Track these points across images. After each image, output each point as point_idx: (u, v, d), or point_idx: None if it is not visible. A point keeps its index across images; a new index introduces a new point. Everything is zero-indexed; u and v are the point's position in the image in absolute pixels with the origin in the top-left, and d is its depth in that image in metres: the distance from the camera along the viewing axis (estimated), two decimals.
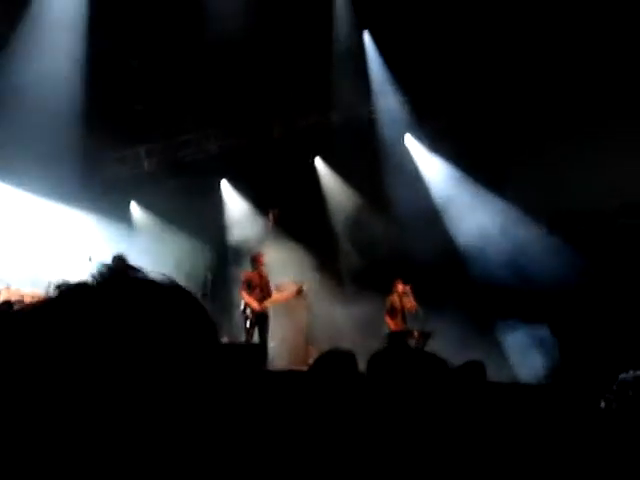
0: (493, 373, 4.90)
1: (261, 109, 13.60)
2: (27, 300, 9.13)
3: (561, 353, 10.58)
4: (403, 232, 12.36)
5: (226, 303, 12.71)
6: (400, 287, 10.63)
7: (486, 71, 11.82)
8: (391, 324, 10.52)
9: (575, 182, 10.73)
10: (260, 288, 10.50)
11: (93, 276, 0.85)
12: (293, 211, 13.18)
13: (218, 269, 13.19)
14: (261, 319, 10.38)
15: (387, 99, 13.37)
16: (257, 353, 8.86)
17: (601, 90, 10.78)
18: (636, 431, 3.12)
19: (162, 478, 0.77)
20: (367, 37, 12.83)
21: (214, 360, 0.85)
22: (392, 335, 10.40)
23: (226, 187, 14.32)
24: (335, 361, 2.86)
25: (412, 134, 13.72)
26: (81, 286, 0.84)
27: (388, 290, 10.81)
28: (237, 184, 14.04)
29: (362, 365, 2.44)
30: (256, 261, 10.65)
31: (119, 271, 0.87)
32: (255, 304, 10.32)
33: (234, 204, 14.26)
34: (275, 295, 10.82)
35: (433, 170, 13.57)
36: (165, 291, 0.86)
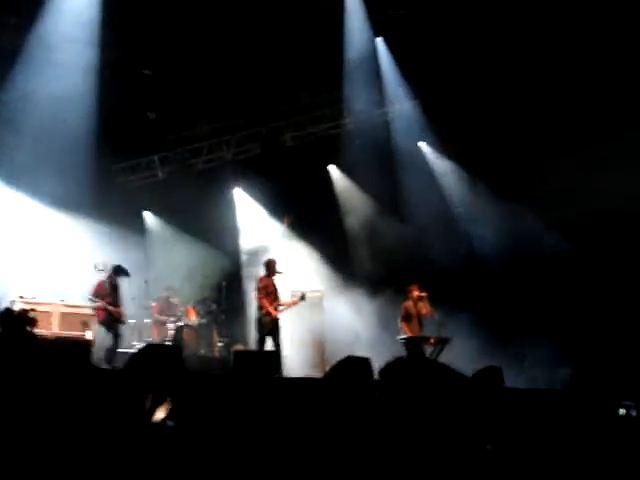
0: (511, 380, 4.84)
1: (274, 116, 13.63)
2: (39, 310, 9.20)
3: (578, 361, 10.50)
4: (418, 237, 12.35)
5: (240, 310, 12.72)
6: (415, 293, 10.54)
7: (500, 79, 11.78)
8: (407, 330, 10.44)
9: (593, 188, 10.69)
10: (274, 294, 10.47)
11: None
12: (307, 217, 13.17)
13: (232, 276, 13.19)
14: (276, 326, 10.35)
15: (401, 105, 13.37)
16: (272, 360, 8.83)
17: (617, 100, 10.76)
18: None
19: None
20: (380, 44, 12.82)
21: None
22: (407, 341, 10.33)
23: (240, 194, 14.31)
24: (351, 368, 2.83)
25: (426, 140, 13.70)
26: None
27: (404, 296, 10.72)
28: (251, 191, 14.03)
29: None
30: (271, 267, 10.60)
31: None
32: (273, 311, 10.30)
33: (248, 211, 14.25)
34: (282, 301, 10.70)
35: (448, 175, 13.54)
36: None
